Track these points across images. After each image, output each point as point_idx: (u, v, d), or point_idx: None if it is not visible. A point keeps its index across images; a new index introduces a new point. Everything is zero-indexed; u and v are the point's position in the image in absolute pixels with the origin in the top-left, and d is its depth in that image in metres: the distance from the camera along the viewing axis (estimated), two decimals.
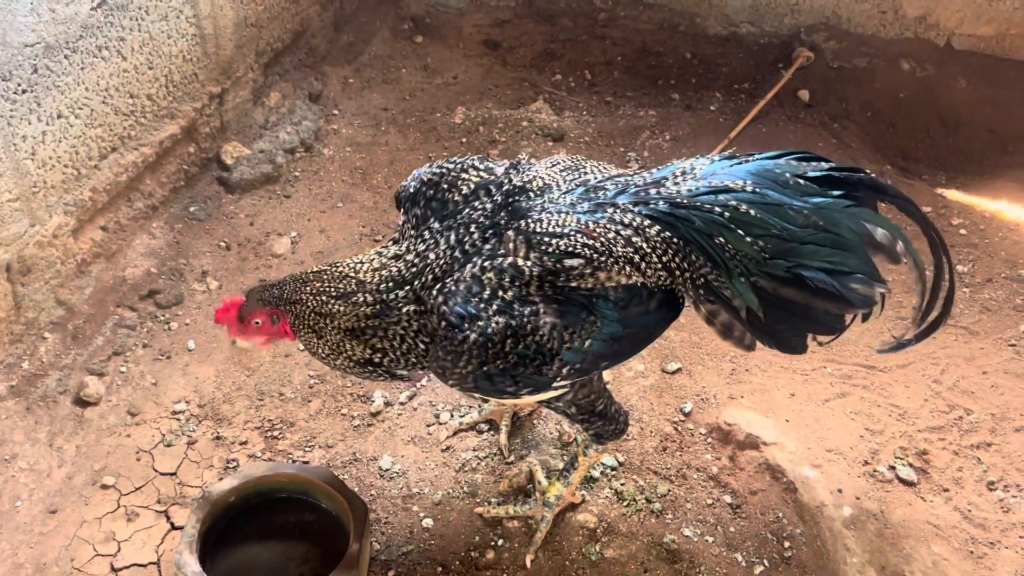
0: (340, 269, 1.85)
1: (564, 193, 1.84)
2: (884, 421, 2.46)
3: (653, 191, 1.81)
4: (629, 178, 1.87)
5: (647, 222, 1.77)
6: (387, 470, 2.34)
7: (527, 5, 4.26)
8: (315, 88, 3.44)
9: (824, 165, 1.81)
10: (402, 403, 2.49)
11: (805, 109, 3.72)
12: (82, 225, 2.55)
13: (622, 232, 1.76)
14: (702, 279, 1.79)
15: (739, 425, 2.40)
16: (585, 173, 1.90)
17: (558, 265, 1.71)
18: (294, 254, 2.91)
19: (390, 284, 1.80)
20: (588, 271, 1.73)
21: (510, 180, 1.86)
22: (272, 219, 3.01)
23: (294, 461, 2.35)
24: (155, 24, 2.59)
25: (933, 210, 3.25)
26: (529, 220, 1.76)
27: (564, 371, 1.78)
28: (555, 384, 1.83)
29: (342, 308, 1.80)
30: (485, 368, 1.73)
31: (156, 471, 2.31)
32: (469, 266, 1.74)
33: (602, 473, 2.31)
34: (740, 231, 1.72)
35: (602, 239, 1.74)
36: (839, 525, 2.21)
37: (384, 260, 1.85)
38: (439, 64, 3.81)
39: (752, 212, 1.72)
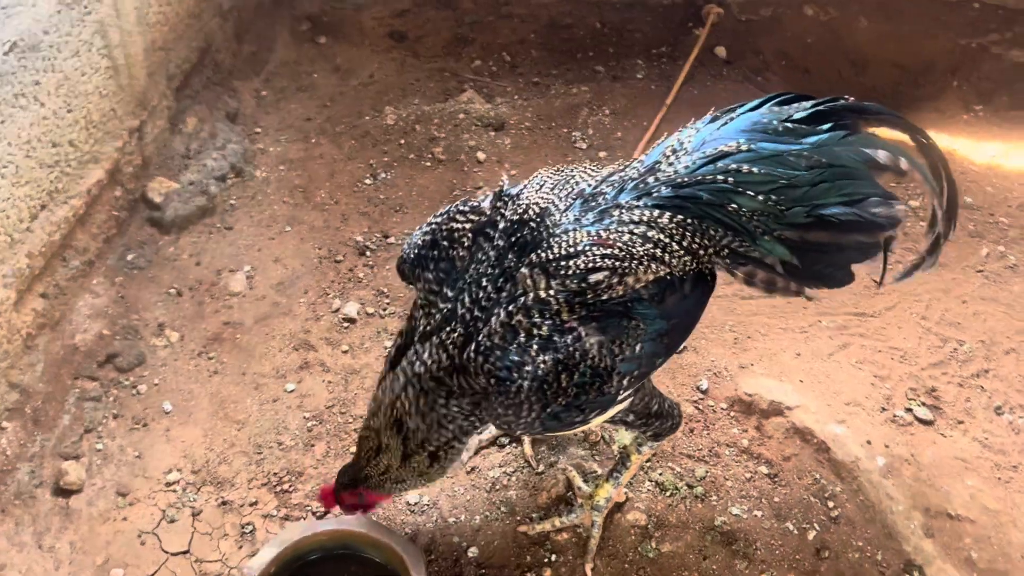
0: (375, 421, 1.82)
1: (564, 212, 1.74)
2: (888, 365, 2.51)
3: (651, 179, 1.74)
4: (622, 174, 1.79)
5: (656, 212, 1.70)
6: (416, 504, 2.21)
7: None
8: (230, 107, 3.19)
9: (807, 104, 1.78)
10: None
11: (725, 66, 3.75)
12: (22, 296, 2.27)
13: (636, 231, 1.68)
14: (727, 250, 1.74)
15: (759, 394, 2.39)
16: (577, 183, 1.80)
17: (583, 284, 1.63)
18: (252, 289, 2.70)
19: (434, 425, 1.77)
20: (615, 280, 1.65)
21: (503, 216, 1.74)
22: (219, 255, 2.78)
23: (315, 513, 2.18)
24: (68, 62, 2.32)
25: None
26: (539, 252, 1.67)
27: (625, 382, 1.70)
28: (620, 398, 1.75)
29: (406, 474, 1.86)
30: (548, 409, 1.65)
31: (166, 552, 2.10)
32: (493, 318, 1.63)
33: (639, 468, 2.25)
34: (750, 192, 1.69)
35: (619, 244, 1.66)
36: (877, 476, 2.24)
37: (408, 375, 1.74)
38: (350, 64, 3.62)
39: (755, 170, 1.69)
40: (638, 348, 1.68)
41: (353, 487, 1.89)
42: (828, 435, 2.31)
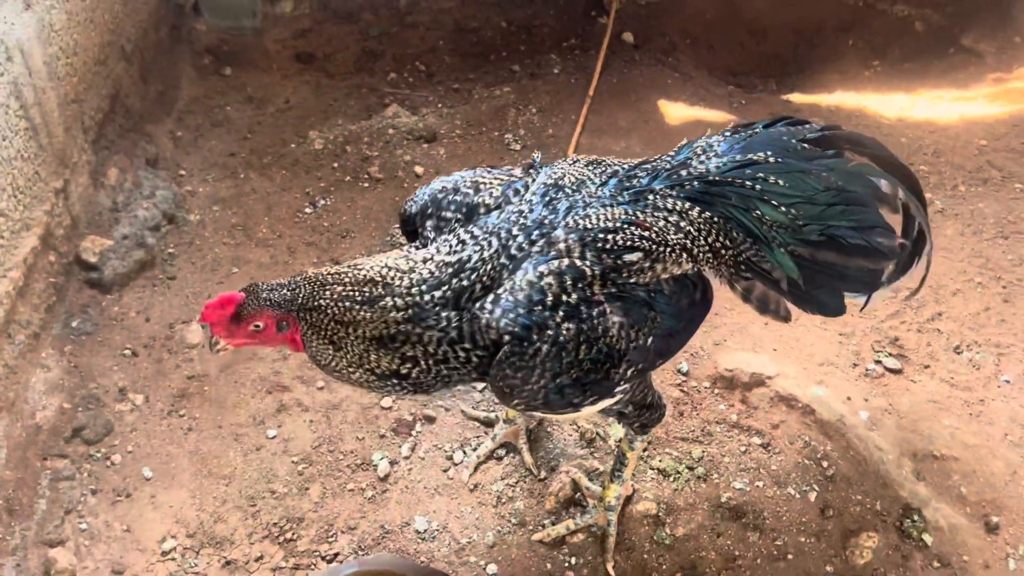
0: (362, 272, 1.63)
1: (600, 186, 1.76)
2: (850, 323, 2.61)
3: (683, 172, 1.77)
4: (655, 163, 1.82)
5: (687, 204, 1.73)
6: (425, 531, 2.18)
7: (322, 8, 4.01)
8: (149, 152, 3.06)
9: (815, 126, 1.85)
10: (407, 457, 2.32)
11: (635, 50, 3.81)
12: None
13: (669, 219, 1.71)
14: (743, 256, 1.78)
15: (738, 368, 2.45)
16: (611, 165, 1.83)
17: (618, 262, 1.64)
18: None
19: (423, 287, 1.62)
20: (647, 264, 1.67)
21: (535, 179, 1.77)
22: (167, 308, 2.66)
23: (324, 558, 2.13)
24: None
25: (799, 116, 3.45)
26: (576, 217, 1.67)
27: (628, 373, 1.72)
28: (617, 389, 1.76)
29: (368, 315, 1.60)
30: (558, 380, 1.64)
31: None
32: (521, 272, 1.62)
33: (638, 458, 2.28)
34: (774, 202, 1.74)
35: (655, 229, 1.69)
36: (862, 430, 2.33)
37: (413, 262, 1.66)
38: (262, 92, 3.51)
39: (781, 182, 1.74)
40: (649, 341, 1.71)
41: (286, 311, 1.61)
42: (810, 398, 2.38)
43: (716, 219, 1.74)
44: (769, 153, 1.76)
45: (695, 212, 1.73)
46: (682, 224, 1.71)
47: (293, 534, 2.18)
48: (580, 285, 1.62)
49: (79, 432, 2.33)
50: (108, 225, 2.77)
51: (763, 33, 4.08)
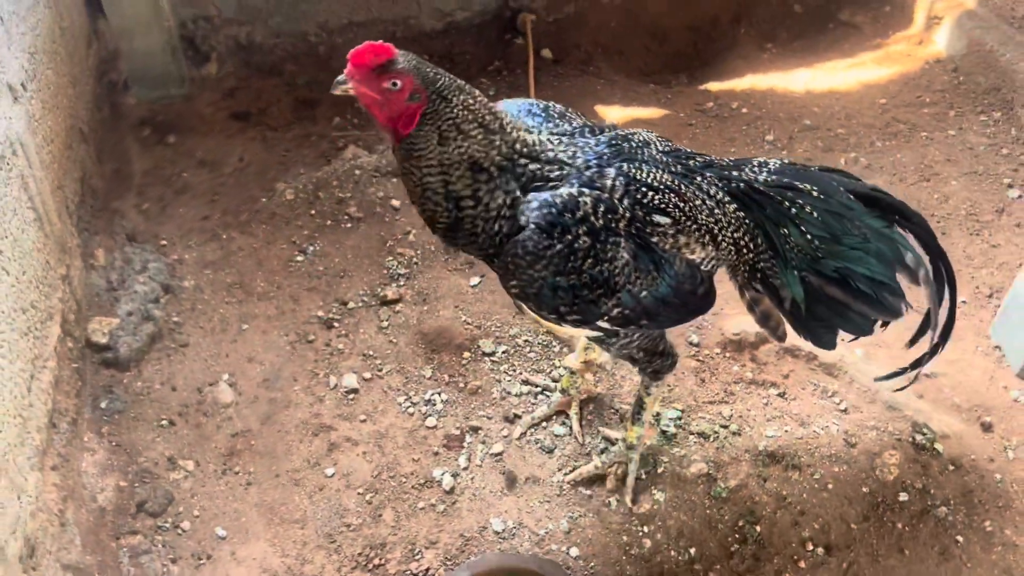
0: (494, 109, 1.83)
1: (660, 152, 1.97)
2: None
3: (735, 173, 1.99)
4: (714, 159, 2.03)
5: (727, 198, 1.95)
6: (503, 531, 2.32)
7: (245, 66, 4.07)
8: (126, 228, 3.07)
9: (866, 184, 2.06)
10: (465, 468, 2.45)
11: (557, 65, 4.05)
12: (43, 471, 2.14)
13: (707, 202, 1.92)
14: (760, 263, 2.01)
15: (743, 330, 2.70)
16: (671, 144, 2.04)
17: (648, 218, 1.86)
18: (242, 395, 2.65)
19: (524, 150, 1.83)
20: (672, 231, 1.89)
21: (609, 129, 1.99)
22: (189, 374, 2.70)
23: (429, 572, 2.24)
24: (12, 223, 2.19)
25: (714, 105, 3.77)
26: (631, 164, 1.88)
27: (614, 312, 1.92)
28: (599, 324, 1.97)
29: (480, 137, 1.78)
30: (557, 279, 1.83)
31: None
32: (567, 185, 1.83)
33: (677, 427, 2.49)
34: (803, 227, 1.96)
35: (691, 204, 1.90)
36: (862, 364, 2.62)
37: (526, 131, 1.87)
38: (213, 155, 3.55)
39: (816, 214, 1.96)
40: (643, 294, 1.91)
41: (424, 87, 1.71)
42: (810, 346, 2.65)
43: (747, 220, 1.97)
44: (815, 188, 1.97)
45: (731, 207, 1.95)
46: (716, 211, 1.93)
47: (380, 559, 2.28)
48: (610, 216, 1.82)
49: (142, 507, 2.36)
50: (109, 304, 2.78)
51: (664, 34, 4.40)
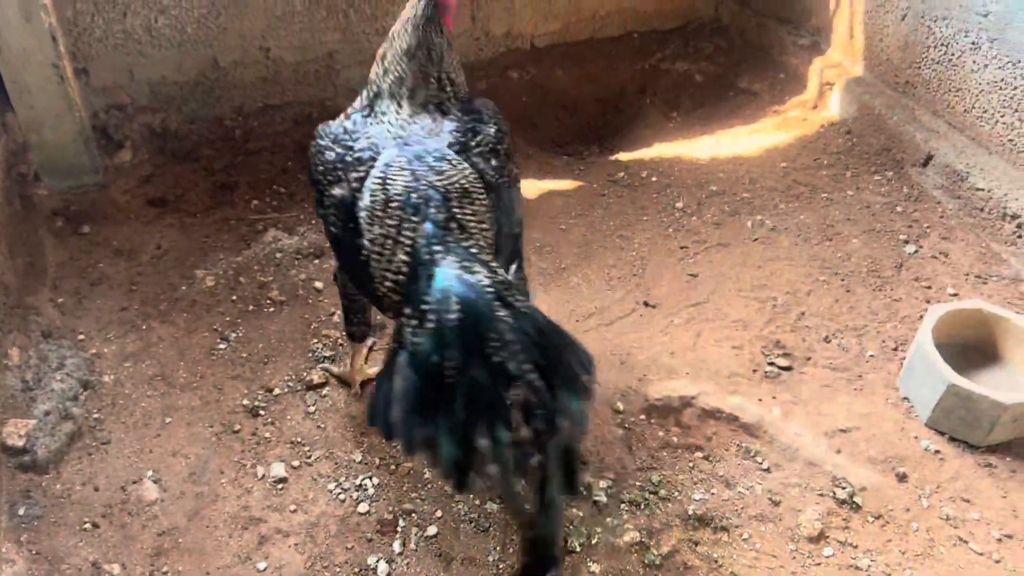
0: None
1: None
2: (737, 336, 3.01)
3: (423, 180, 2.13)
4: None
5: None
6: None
7: (160, 152, 4.06)
8: (41, 324, 2.99)
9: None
10: (400, 553, 2.43)
11: None
12: None
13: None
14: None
15: (666, 395, 2.77)
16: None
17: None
18: (167, 491, 2.59)
19: None
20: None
21: None
22: (112, 472, 2.63)
23: None
24: None
25: (625, 175, 3.90)
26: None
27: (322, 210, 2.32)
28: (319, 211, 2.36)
29: None
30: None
31: None
32: None
33: (608, 497, 2.52)
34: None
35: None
36: (780, 423, 2.71)
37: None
38: (130, 244, 3.51)
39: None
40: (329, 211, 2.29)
41: None
42: (731, 407, 2.74)
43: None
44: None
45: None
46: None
47: None
48: None
49: None
50: (25, 405, 2.70)
51: (574, 106, 4.56)
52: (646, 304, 3.15)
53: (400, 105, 2.33)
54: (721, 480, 2.57)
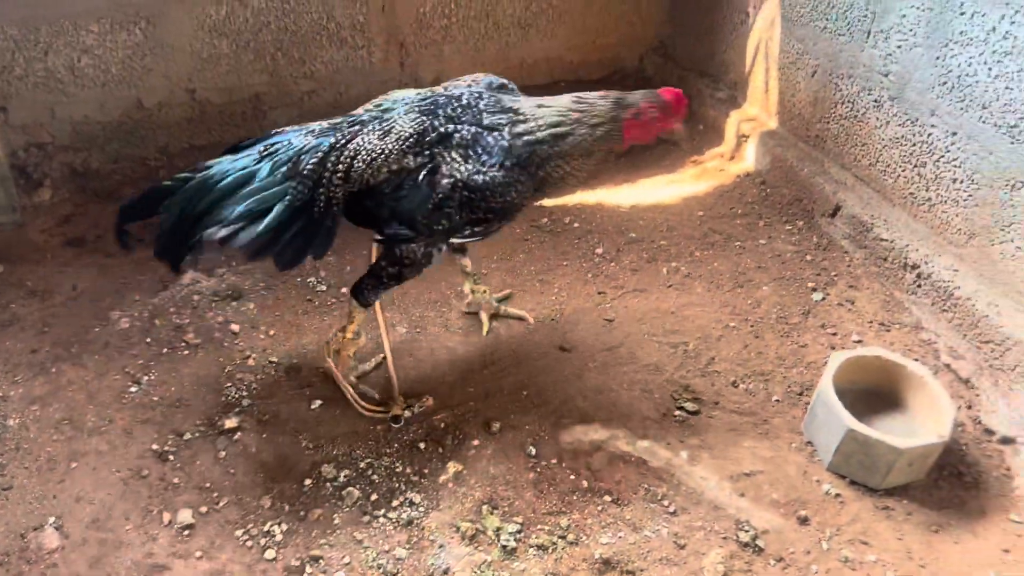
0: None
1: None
2: (649, 380, 3.07)
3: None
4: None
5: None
6: None
7: (80, 191, 4.03)
8: None
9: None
10: None
11: None
12: None
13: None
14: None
15: (577, 439, 2.81)
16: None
17: None
18: (69, 538, 2.53)
19: None
20: None
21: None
22: (13, 519, 2.57)
23: None
24: None
25: (548, 221, 3.97)
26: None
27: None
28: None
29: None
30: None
31: None
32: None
33: (516, 541, 2.54)
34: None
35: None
36: (687, 466, 2.77)
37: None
38: (45, 284, 3.46)
39: None
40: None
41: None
42: (640, 451, 2.79)
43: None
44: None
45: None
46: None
47: None
48: None
49: None
50: None
51: None
52: (562, 348, 3.20)
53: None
54: (628, 524, 2.61)
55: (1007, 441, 2.92)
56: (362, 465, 2.75)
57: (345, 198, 2.57)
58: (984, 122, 3.07)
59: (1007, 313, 3.05)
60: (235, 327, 3.24)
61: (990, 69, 3.01)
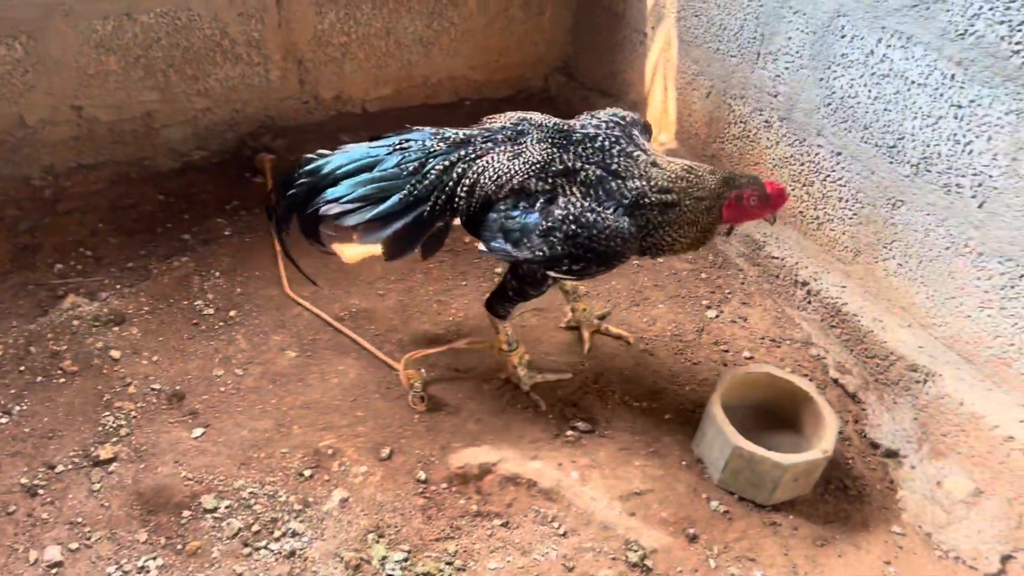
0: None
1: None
2: (546, 398, 3.06)
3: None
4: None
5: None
6: None
7: None
8: None
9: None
10: None
11: None
12: None
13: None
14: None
15: (467, 463, 2.77)
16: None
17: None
18: None
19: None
20: None
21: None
22: None
23: None
24: None
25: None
26: None
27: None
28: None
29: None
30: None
31: None
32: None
33: (402, 570, 2.49)
34: None
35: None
36: (577, 487, 2.75)
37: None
38: None
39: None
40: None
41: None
42: (530, 472, 2.77)
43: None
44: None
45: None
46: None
47: None
48: None
49: None
50: None
51: None
52: (456, 370, 3.16)
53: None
54: (518, 547, 2.58)
55: (890, 454, 2.98)
56: (244, 494, 2.67)
57: (465, 207, 2.72)
58: (866, 142, 3.15)
59: (891, 328, 3.13)
60: (116, 353, 3.11)
61: (870, 91, 3.09)
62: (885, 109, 3.04)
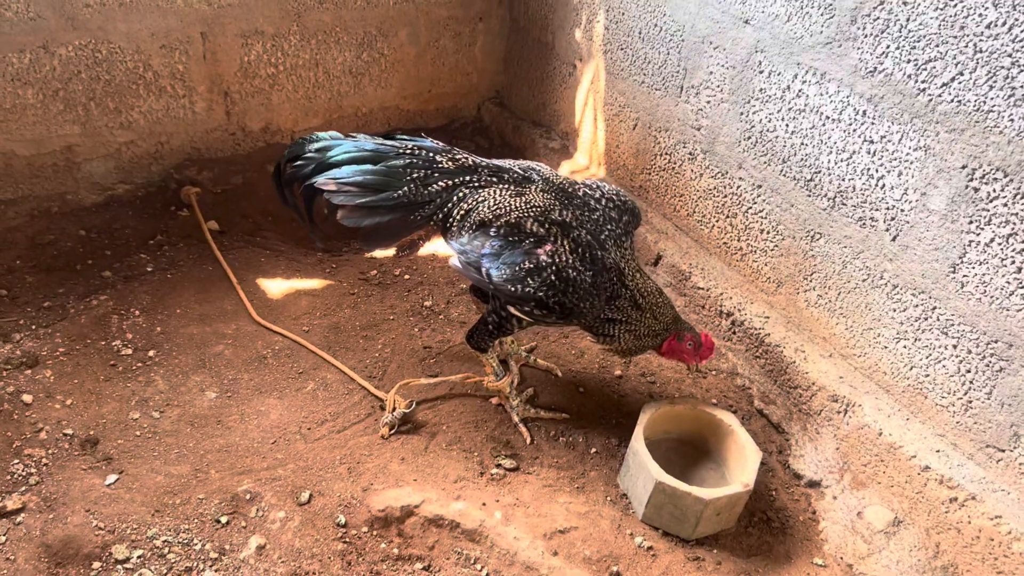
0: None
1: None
2: (472, 439, 3.03)
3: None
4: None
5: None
6: None
7: None
8: None
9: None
10: None
11: (223, 236, 4.02)
12: None
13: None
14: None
15: (389, 505, 2.73)
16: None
17: None
18: None
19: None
20: None
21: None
22: None
23: None
24: None
25: (377, 273, 3.90)
26: None
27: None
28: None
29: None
30: None
31: None
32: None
33: None
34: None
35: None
36: (500, 527, 2.72)
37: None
38: None
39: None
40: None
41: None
42: (453, 513, 2.73)
43: None
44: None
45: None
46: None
47: None
48: None
49: None
50: None
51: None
52: (380, 408, 3.13)
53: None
54: None
55: (813, 484, 3.01)
56: (158, 543, 2.59)
57: (456, 230, 2.87)
58: (784, 175, 3.20)
59: (812, 359, 3.17)
60: (27, 397, 3.01)
61: (787, 125, 3.14)
62: (802, 143, 3.09)
